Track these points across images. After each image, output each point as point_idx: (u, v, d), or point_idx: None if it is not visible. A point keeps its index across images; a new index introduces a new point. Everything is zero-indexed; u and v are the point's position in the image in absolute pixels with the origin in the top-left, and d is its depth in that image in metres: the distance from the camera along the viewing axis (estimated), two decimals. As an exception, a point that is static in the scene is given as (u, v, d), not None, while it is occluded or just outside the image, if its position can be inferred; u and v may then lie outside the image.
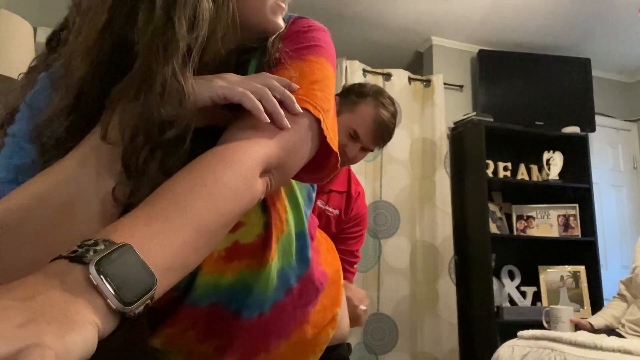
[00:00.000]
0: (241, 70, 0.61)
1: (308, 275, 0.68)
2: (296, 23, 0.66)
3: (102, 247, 0.36)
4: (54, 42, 0.61)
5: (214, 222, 0.45)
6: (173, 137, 0.50)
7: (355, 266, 1.57)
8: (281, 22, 0.64)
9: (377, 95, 1.47)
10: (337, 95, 1.48)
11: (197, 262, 0.45)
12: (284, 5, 0.64)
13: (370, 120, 1.43)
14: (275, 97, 0.54)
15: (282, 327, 0.66)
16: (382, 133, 1.45)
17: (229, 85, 0.53)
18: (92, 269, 0.34)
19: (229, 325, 0.61)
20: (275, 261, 0.62)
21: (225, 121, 0.56)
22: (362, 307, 1.32)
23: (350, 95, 1.48)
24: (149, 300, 0.37)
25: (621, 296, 2.17)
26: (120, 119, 0.50)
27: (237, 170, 0.48)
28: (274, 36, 0.64)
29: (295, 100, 0.55)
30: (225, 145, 0.51)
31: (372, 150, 1.50)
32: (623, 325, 2.02)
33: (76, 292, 0.33)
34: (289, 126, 0.54)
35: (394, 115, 1.49)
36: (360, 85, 1.57)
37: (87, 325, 0.31)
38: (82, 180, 0.49)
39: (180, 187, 0.45)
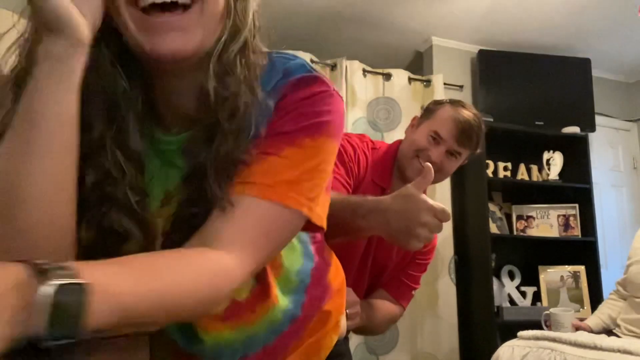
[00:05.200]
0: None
1: (309, 300, 0.73)
2: (298, 88, 0.59)
3: (68, 273, 0.36)
4: None
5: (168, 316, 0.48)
6: None
7: (413, 292, 1.47)
8: None
9: (455, 101, 1.45)
10: (417, 116, 1.49)
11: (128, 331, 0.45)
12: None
13: (450, 119, 1.37)
14: None
15: (286, 348, 0.71)
16: (466, 130, 1.36)
17: None
18: (45, 289, 0.34)
19: None
20: (279, 303, 0.67)
21: None
22: (349, 311, 1.26)
23: (428, 108, 1.48)
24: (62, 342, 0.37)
25: (619, 294, 2.17)
26: None
27: (211, 298, 0.51)
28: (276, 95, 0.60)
29: None
30: (210, 264, 0.51)
31: (460, 154, 1.39)
32: (619, 326, 2.02)
33: (15, 301, 0.33)
34: None
35: (477, 115, 1.41)
36: (436, 100, 1.59)
37: None
38: None
39: (162, 268, 0.47)
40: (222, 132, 0.55)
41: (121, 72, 0.56)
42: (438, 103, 1.48)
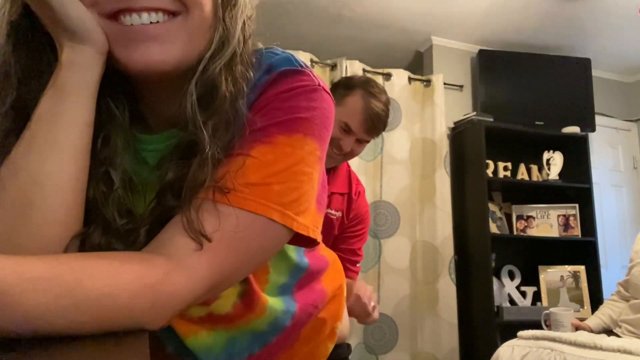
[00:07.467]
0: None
1: (300, 308, 0.71)
2: (277, 82, 0.53)
3: None
4: None
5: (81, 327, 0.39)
6: None
7: (358, 265, 1.56)
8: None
9: (366, 85, 1.45)
10: None
11: None
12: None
13: (361, 111, 1.41)
14: None
15: (273, 358, 0.70)
16: (375, 123, 1.43)
17: None
18: None
19: None
20: (266, 314, 0.65)
21: None
22: (373, 304, 1.35)
23: (339, 90, 1.46)
24: None
25: (620, 294, 2.17)
26: None
27: (146, 315, 0.43)
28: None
29: None
30: (156, 272, 0.43)
31: (368, 141, 1.49)
32: (620, 326, 2.02)
33: None
34: None
35: (386, 103, 1.46)
36: (347, 78, 1.56)
37: None
38: None
39: (90, 273, 0.40)
40: (201, 157, 0.49)
41: (110, 94, 0.53)
42: (349, 86, 1.45)
